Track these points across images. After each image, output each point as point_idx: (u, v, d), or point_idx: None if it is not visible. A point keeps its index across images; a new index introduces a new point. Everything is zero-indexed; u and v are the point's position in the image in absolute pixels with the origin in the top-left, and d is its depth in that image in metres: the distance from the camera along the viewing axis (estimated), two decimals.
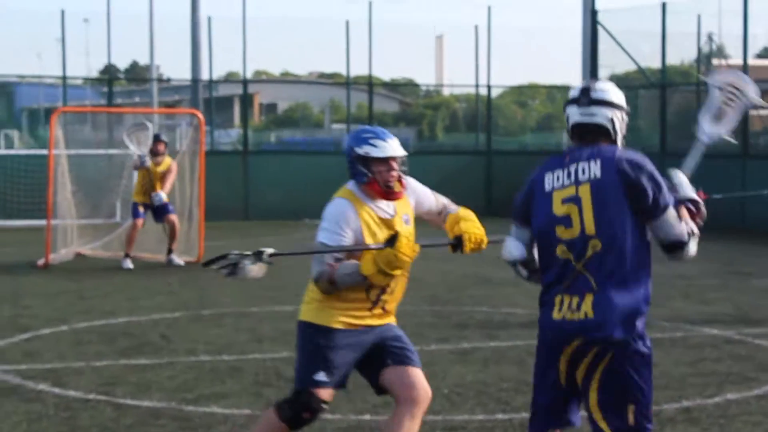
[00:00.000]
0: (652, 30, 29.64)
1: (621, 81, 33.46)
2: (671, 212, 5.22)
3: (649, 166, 5.24)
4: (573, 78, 31.73)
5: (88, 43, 39.31)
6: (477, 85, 31.70)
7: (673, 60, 31.83)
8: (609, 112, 5.32)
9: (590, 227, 5.18)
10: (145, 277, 16.55)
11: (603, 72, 32.24)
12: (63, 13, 27.96)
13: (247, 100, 30.22)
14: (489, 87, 31.62)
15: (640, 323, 5.19)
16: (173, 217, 17.77)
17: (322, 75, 78.84)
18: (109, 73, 28.54)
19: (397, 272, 6.08)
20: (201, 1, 29.73)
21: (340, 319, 6.28)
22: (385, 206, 6.39)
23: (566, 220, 5.24)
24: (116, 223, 20.07)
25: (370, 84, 31.18)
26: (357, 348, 6.33)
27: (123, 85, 73.40)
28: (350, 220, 6.28)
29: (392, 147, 6.33)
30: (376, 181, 6.30)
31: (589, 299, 5.16)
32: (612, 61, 31.87)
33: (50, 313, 12.83)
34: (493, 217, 28.57)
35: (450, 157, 32.90)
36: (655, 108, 30.20)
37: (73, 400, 8.49)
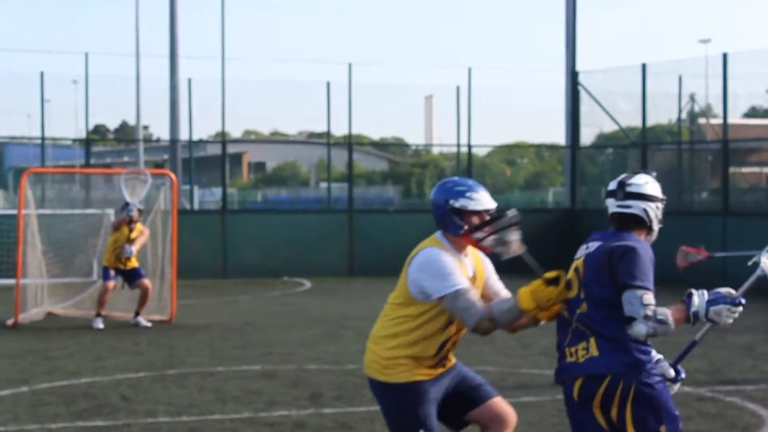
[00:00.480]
0: (634, 90, 29.75)
1: (609, 140, 33.49)
2: (629, 293, 5.69)
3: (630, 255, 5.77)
4: (559, 136, 31.66)
5: (77, 104, 39.24)
6: (458, 145, 31.61)
7: (656, 119, 31.87)
8: (643, 204, 5.93)
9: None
10: (114, 336, 16.31)
11: (586, 131, 32.28)
12: (42, 75, 27.90)
13: (225, 159, 29.91)
14: (470, 146, 31.52)
15: None
16: (146, 281, 17.58)
17: (311, 135, 79.07)
18: (87, 133, 28.29)
19: (554, 308, 5.99)
20: (181, 64, 29.75)
21: (419, 372, 6.38)
22: (468, 263, 6.49)
23: None
24: (92, 281, 19.82)
25: (349, 144, 30.97)
26: (438, 395, 6.46)
27: (113, 145, 73.47)
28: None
29: (487, 199, 6.40)
30: (468, 234, 6.33)
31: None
32: (597, 120, 31.90)
33: (12, 374, 12.60)
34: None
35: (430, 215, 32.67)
36: (638, 167, 30.13)
37: None
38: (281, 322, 18.23)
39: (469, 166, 31.75)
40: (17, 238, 17.59)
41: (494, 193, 41.69)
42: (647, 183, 5.96)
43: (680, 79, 29.82)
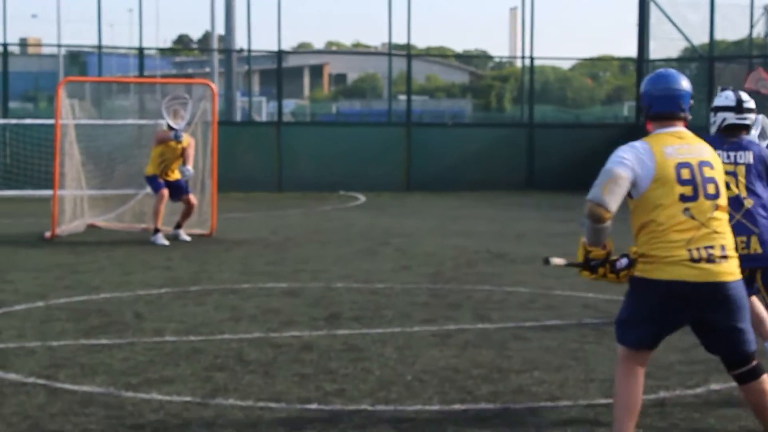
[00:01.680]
0: (702, 1, 28.83)
1: (684, 53, 32.50)
2: None
3: None
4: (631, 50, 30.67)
5: (158, 14, 39.11)
6: (524, 57, 30.88)
7: (726, 33, 30.86)
8: (752, 116, 8.10)
9: None
10: (149, 250, 16.07)
11: (654, 44, 31.39)
12: None
13: (281, 70, 29.51)
14: (531, 58, 30.83)
15: None
16: (191, 197, 17.28)
17: (395, 46, 78.19)
18: (140, 43, 27.91)
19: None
20: None
21: None
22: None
23: None
24: (134, 193, 19.54)
25: (408, 55, 30.39)
26: None
27: (196, 55, 73.21)
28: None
29: None
30: None
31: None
32: (667, 33, 30.96)
33: (32, 289, 12.36)
34: (533, 191, 28.34)
35: (496, 129, 32.17)
36: (704, 82, 29.27)
37: (8, 384, 7.97)
38: (323, 237, 17.90)
39: (531, 80, 31.05)
40: (54, 148, 17.37)
41: (576, 107, 41.19)
42: (752, 101, 8.09)
43: None
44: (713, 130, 8.02)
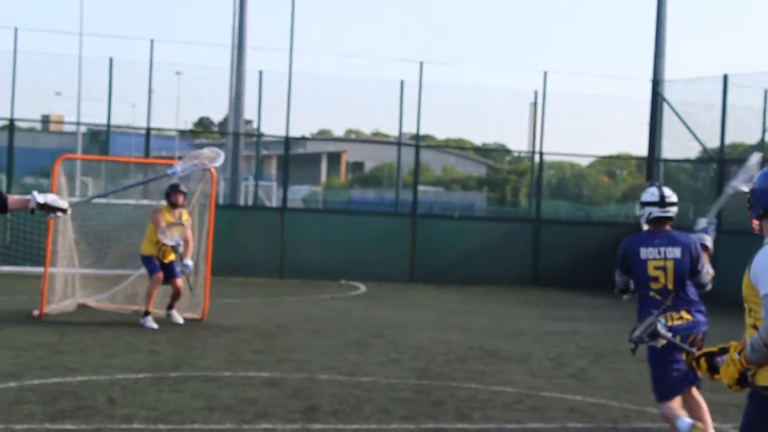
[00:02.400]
0: (715, 102, 28.66)
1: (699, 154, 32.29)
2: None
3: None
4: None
5: (179, 95, 39.11)
6: (533, 152, 30.76)
7: (738, 135, 30.65)
8: (675, 209, 8.98)
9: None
10: (136, 333, 15.80)
11: (667, 144, 31.23)
12: (151, 64, 27.57)
13: (288, 156, 29.40)
14: (541, 153, 30.71)
15: None
16: (179, 282, 17.07)
17: (412, 137, 78.04)
18: (147, 123, 27.83)
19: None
20: (247, 57, 29.25)
21: None
22: None
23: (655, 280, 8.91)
24: (127, 274, 19.31)
25: (416, 146, 30.23)
26: None
27: (215, 138, 73.41)
28: None
29: None
30: None
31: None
32: (678, 133, 30.79)
33: (7, 368, 12.10)
34: (537, 287, 28.03)
35: (503, 224, 32.01)
36: (715, 183, 29.06)
37: None
38: (315, 326, 17.62)
39: (540, 173, 30.91)
40: (47, 226, 17.21)
41: (591, 204, 40.88)
42: (674, 194, 9.01)
43: (766, 93, 28.66)
44: (642, 221, 9.08)
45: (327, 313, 20.07)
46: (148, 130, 28.15)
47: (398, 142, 31.19)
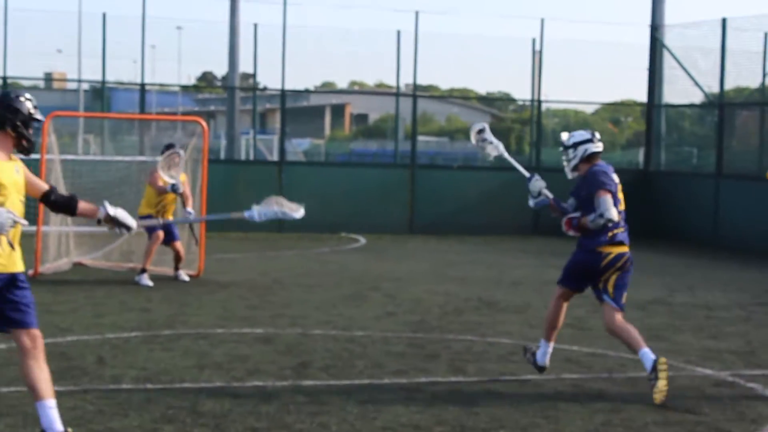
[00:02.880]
0: (715, 47, 28.36)
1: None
2: None
3: None
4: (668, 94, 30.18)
5: (180, 50, 38.79)
6: (533, 101, 30.50)
7: (739, 80, 30.33)
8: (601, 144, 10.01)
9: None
10: (131, 291, 15.66)
11: (667, 88, 30.94)
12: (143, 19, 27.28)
13: (285, 110, 29.18)
14: (539, 102, 30.46)
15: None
16: (178, 244, 16.94)
17: (418, 87, 77.25)
18: (142, 79, 27.56)
19: None
20: (242, 9, 28.95)
21: None
22: None
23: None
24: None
25: (414, 96, 29.93)
26: None
27: (219, 92, 73.03)
28: None
29: None
30: None
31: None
32: (678, 78, 30.50)
33: None
34: (538, 236, 27.85)
35: (503, 173, 31.77)
36: (714, 128, 28.84)
37: None
38: (312, 281, 17.48)
39: (539, 123, 30.67)
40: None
41: None
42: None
43: (766, 36, 28.34)
44: (574, 163, 9.87)
45: (325, 266, 19.93)
46: (143, 85, 27.87)
47: (396, 93, 30.90)
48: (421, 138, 73.40)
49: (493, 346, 11.74)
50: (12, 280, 7.24)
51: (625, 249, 9.87)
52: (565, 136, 10.02)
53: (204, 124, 17.94)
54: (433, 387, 9.56)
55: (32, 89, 65.33)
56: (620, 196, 9.82)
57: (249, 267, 19.30)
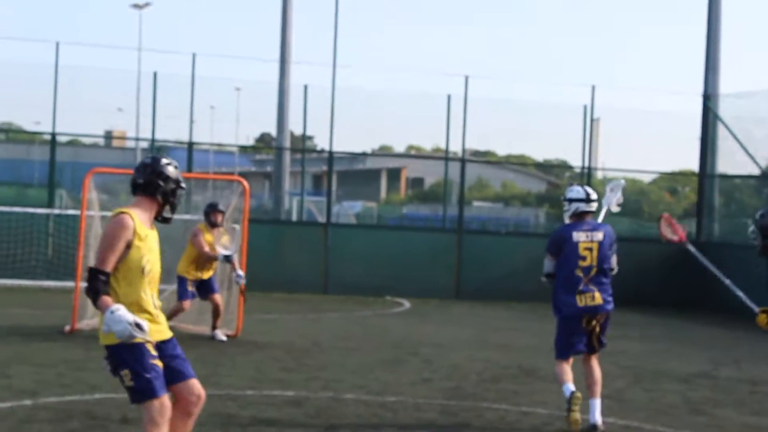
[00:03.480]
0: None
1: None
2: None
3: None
4: (726, 165, 29.85)
5: (238, 111, 39.07)
6: (583, 168, 30.26)
7: None
8: (596, 204, 11.12)
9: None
10: None
11: (721, 158, 30.59)
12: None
13: (332, 172, 29.13)
14: (590, 169, 30.21)
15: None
16: (218, 297, 16.83)
17: (475, 153, 77.75)
18: (190, 138, 27.71)
19: None
20: (292, 71, 29.03)
21: None
22: None
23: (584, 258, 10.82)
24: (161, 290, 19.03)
25: (462, 160, 29.81)
26: None
27: (267, 152, 73.50)
28: None
29: None
30: None
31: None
32: (732, 149, 30.16)
33: (27, 385, 11.85)
34: None
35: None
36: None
37: None
38: (351, 344, 17.27)
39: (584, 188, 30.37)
40: (78, 240, 17.02)
41: (651, 221, 40.27)
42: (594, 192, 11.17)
43: None
44: (567, 215, 11.16)
45: (366, 330, 19.72)
46: (190, 144, 27.98)
47: (445, 158, 30.80)
48: (475, 203, 73.49)
49: (527, 416, 11.47)
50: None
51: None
52: (568, 190, 11.33)
53: (245, 183, 17.86)
54: None
55: (93, 147, 66.11)
56: (584, 253, 10.89)
57: (289, 328, 19.12)
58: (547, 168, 64.81)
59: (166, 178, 7.16)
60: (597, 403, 10.78)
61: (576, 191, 11.13)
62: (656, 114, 37.48)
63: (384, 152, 61.31)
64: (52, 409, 10.55)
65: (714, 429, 11.04)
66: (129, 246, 6.99)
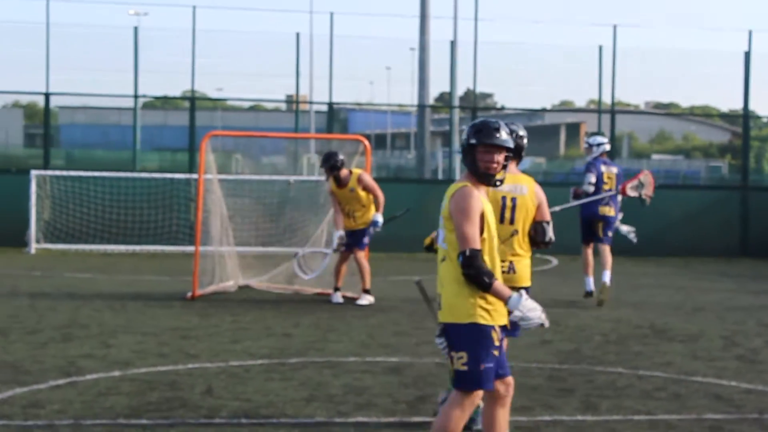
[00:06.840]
0: None
1: None
2: None
3: None
4: None
5: (413, 71, 38.94)
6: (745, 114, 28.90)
7: None
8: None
9: None
10: (281, 314, 15.11)
11: None
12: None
13: (452, 128, 28.47)
14: (747, 115, 28.85)
15: None
16: (361, 253, 16.28)
17: (657, 105, 75.78)
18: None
19: None
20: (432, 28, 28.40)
21: None
22: None
23: None
24: (294, 252, 18.57)
25: (612, 111, 28.79)
26: None
27: (446, 111, 73.16)
28: None
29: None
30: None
31: None
32: None
33: (123, 355, 11.54)
34: (745, 258, 26.35)
35: (707, 192, 30.38)
36: None
37: None
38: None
39: (745, 138, 29.05)
40: (197, 204, 16.75)
41: None
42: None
43: None
44: (594, 154, 16.75)
45: None
46: (330, 104, 27.55)
47: (598, 110, 29.90)
48: (655, 156, 71.64)
49: (641, 380, 10.69)
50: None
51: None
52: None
53: (366, 142, 17.32)
54: (552, 428, 8.63)
55: (274, 111, 66.46)
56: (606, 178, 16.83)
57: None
58: (732, 119, 62.85)
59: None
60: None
61: (600, 137, 16.90)
62: None
63: (568, 107, 60.06)
64: (137, 380, 10.18)
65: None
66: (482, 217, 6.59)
